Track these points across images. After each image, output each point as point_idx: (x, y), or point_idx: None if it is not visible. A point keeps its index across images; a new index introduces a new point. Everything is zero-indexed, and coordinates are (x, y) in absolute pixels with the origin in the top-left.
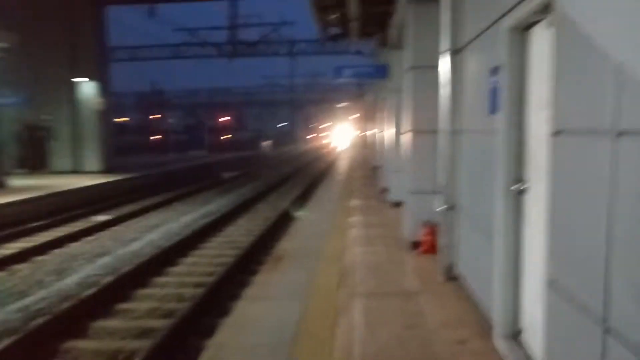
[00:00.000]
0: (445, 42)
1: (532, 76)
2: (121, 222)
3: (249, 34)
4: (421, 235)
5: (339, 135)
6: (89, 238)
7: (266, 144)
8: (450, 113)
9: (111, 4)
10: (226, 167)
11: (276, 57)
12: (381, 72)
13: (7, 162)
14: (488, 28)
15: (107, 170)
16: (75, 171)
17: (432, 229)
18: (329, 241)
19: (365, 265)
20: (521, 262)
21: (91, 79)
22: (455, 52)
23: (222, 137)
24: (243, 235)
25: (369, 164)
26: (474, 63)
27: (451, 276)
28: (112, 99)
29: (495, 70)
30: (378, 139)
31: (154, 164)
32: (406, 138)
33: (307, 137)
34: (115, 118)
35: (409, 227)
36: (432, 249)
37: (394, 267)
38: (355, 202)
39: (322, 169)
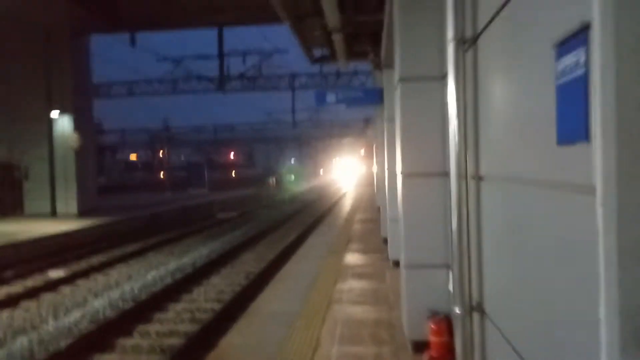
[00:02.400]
0: (451, 28)
1: None
2: (75, 279)
3: (238, 64)
4: (428, 332)
5: (346, 171)
6: (26, 304)
7: (272, 180)
8: (462, 147)
9: (89, 33)
10: (224, 207)
11: (277, 92)
12: (373, 97)
13: None
14: None
15: (83, 214)
16: (53, 214)
17: (443, 324)
18: (293, 334)
19: None
20: None
21: (66, 113)
22: (469, 42)
23: (227, 174)
24: (211, 300)
25: (375, 204)
26: (509, 49)
27: None
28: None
29: (576, 43)
30: (378, 177)
31: (143, 204)
32: (398, 182)
33: (314, 173)
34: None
35: (409, 318)
36: (445, 356)
37: None
38: (349, 258)
39: (324, 209)
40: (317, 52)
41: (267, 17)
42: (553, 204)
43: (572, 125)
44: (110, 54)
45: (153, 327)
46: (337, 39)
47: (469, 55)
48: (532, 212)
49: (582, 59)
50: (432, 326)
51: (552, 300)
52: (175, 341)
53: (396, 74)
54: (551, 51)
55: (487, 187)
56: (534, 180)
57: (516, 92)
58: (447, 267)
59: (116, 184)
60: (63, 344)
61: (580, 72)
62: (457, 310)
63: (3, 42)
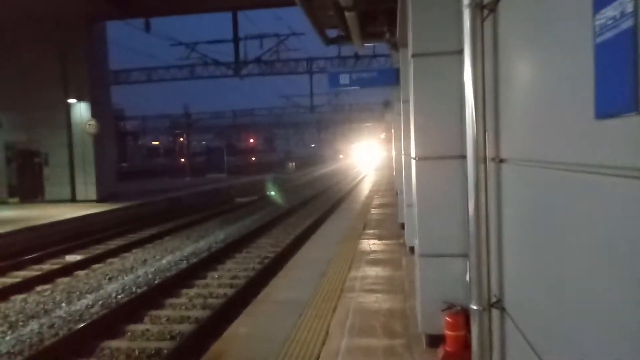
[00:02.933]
0: None
1: None
2: (91, 263)
3: (255, 49)
4: (443, 326)
5: (366, 155)
6: (42, 287)
7: (291, 165)
8: (481, 126)
9: (103, 20)
10: (243, 192)
11: (295, 76)
12: (388, 77)
13: (0, 190)
14: None
15: (102, 199)
16: (73, 200)
17: (460, 318)
18: (302, 324)
19: None
20: None
21: (83, 100)
22: (488, 8)
23: (247, 159)
24: (224, 286)
25: (394, 189)
26: (535, 10)
27: None
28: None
29: None
30: (396, 160)
31: (162, 189)
32: (412, 167)
33: (334, 157)
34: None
35: (424, 310)
36: (462, 352)
37: None
38: (364, 244)
39: (342, 193)
40: (332, 34)
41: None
42: (588, 190)
43: (615, 94)
44: (126, 40)
45: (164, 312)
46: (351, 18)
47: (488, 23)
48: (561, 199)
49: (629, 7)
50: (448, 319)
51: (583, 302)
52: (184, 327)
53: (409, 49)
54: (588, 3)
55: (508, 171)
56: (564, 163)
57: (543, 61)
58: (465, 256)
59: (138, 170)
60: (73, 328)
61: (626, 24)
62: (474, 306)
63: (19, 32)
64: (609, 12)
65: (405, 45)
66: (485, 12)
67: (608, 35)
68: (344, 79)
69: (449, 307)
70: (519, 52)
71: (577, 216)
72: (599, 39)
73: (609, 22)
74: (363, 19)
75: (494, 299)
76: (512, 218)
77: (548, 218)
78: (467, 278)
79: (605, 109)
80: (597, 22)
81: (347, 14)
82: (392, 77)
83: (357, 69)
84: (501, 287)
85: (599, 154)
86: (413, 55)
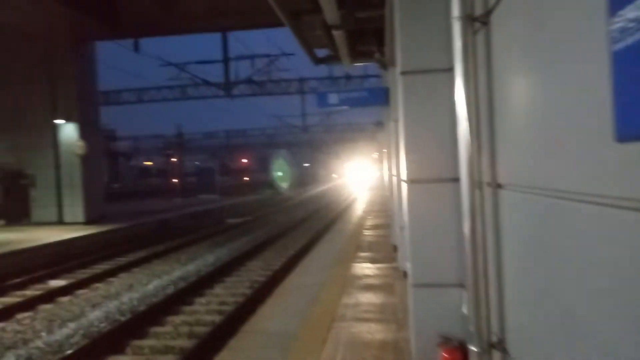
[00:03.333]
0: (456, 3)
1: None
2: (75, 289)
3: (246, 69)
4: None
5: (358, 175)
6: (22, 315)
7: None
8: (475, 148)
9: (92, 40)
10: (234, 213)
11: (286, 96)
12: (378, 96)
13: None
14: None
15: (90, 221)
16: (60, 222)
17: (458, 353)
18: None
19: None
20: None
21: (71, 120)
22: (480, 20)
23: (240, 179)
24: (212, 312)
25: (387, 209)
26: (534, 17)
27: None
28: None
29: None
30: (388, 181)
31: (152, 210)
32: (403, 190)
33: (327, 177)
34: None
35: (418, 344)
36: None
37: None
38: (356, 268)
39: (335, 214)
40: (322, 53)
41: (270, 20)
42: (606, 224)
43: None
44: (114, 61)
45: (148, 342)
46: (339, 37)
47: (480, 37)
48: (568, 232)
49: None
50: (445, 355)
51: (595, 345)
52: (168, 359)
53: (398, 67)
54: (601, 4)
55: (507, 197)
56: (576, 193)
57: (545, 75)
58: (461, 286)
59: (130, 190)
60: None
61: None
62: (474, 348)
63: (7, 52)
64: (630, 13)
65: (394, 63)
66: (477, 25)
67: (629, 40)
68: (332, 98)
69: (446, 341)
70: (516, 66)
71: (588, 253)
72: (617, 46)
73: (630, 24)
74: (352, 38)
75: (494, 339)
76: (511, 249)
77: (552, 251)
78: (464, 309)
79: (629, 130)
80: (614, 26)
81: (334, 32)
82: (382, 97)
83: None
84: (502, 325)
85: (618, 183)
86: (402, 73)
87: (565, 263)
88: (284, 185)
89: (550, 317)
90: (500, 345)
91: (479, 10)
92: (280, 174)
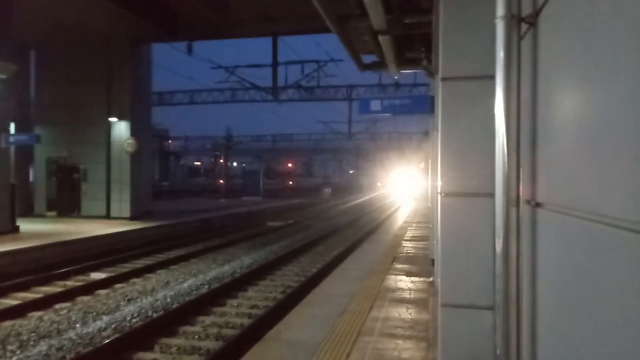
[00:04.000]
0: (501, 2)
1: None
2: (114, 283)
3: (295, 74)
4: None
5: (403, 185)
6: (61, 305)
7: (327, 191)
8: (514, 163)
9: (149, 42)
10: (275, 216)
11: (335, 103)
12: (422, 105)
13: (39, 204)
14: None
15: (135, 217)
16: (107, 216)
17: None
18: None
19: None
20: None
21: (123, 119)
22: (528, 22)
23: (285, 183)
24: (241, 315)
25: (428, 221)
26: (590, 20)
27: None
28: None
29: None
30: (431, 193)
31: (196, 210)
32: (437, 203)
33: (372, 185)
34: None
35: None
36: None
37: None
38: (390, 280)
39: (377, 223)
40: (369, 59)
41: (319, 26)
42: None
43: None
44: (168, 62)
45: (176, 341)
46: (385, 42)
47: (527, 41)
48: (613, 262)
49: None
50: None
51: None
52: (193, 359)
53: (439, 73)
54: None
55: (545, 217)
56: (623, 220)
57: (599, 87)
58: (493, 309)
59: (178, 189)
60: (80, 352)
61: None
62: None
63: (68, 50)
64: None
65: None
66: (524, 27)
67: None
68: (375, 105)
69: None
70: (565, 75)
71: (630, 286)
72: None
73: None
74: (399, 44)
75: None
76: (548, 275)
77: (591, 281)
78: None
79: None
80: None
81: (381, 38)
82: (426, 105)
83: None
84: (534, 356)
85: None
86: (442, 79)
87: (605, 296)
88: None
89: (587, 353)
90: None
91: (526, 10)
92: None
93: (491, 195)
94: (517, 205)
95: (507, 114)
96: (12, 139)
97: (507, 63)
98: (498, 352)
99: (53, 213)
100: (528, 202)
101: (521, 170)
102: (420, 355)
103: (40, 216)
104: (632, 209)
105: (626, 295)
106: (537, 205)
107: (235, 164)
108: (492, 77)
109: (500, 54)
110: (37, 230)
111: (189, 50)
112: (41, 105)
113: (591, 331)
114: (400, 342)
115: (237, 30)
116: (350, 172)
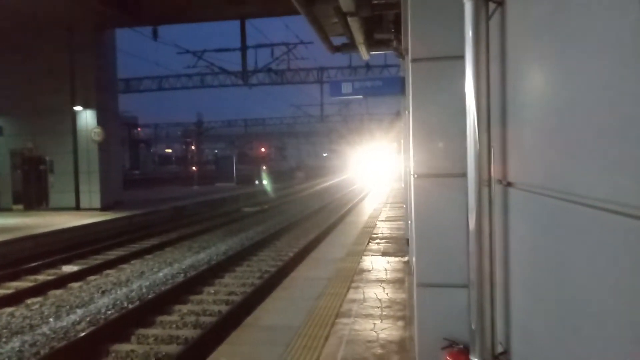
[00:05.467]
0: None
1: None
2: (86, 275)
3: (265, 57)
4: None
5: (377, 167)
6: (32, 300)
7: (301, 175)
8: (485, 143)
9: (112, 27)
10: (250, 201)
11: (305, 85)
12: (393, 86)
13: (4, 197)
14: None
15: (106, 207)
16: (77, 208)
17: (463, 357)
18: (289, 356)
19: None
20: None
21: (89, 107)
22: (494, 0)
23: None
24: (219, 302)
25: (403, 202)
26: None
27: None
28: (117, 130)
29: None
30: (404, 174)
31: (169, 198)
32: (410, 184)
33: (346, 168)
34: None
35: (422, 346)
36: None
37: None
38: (367, 261)
39: (352, 204)
40: (339, 41)
41: (288, 8)
42: (621, 234)
43: None
44: (134, 48)
45: (153, 332)
46: (354, 24)
47: (495, 21)
48: (582, 239)
49: None
50: (448, 359)
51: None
52: (171, 349)
53: (409, 55)
54: None
55: (516, 197)
56: (591, 198)
57: (566, 66)
58: (468, 287)
59: (149, 177)
60: (54, 347)
61: None
62: (475, 358)
63: (27, 38)
64: None
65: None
66: (492, 6)
67: None
68: (346, 87)
69: (450, 345)
70: (533, 54)
71: (599, 263)
72: None
73: None
74: (368, 25)
75: (500, 349)
76: (520, 253)
77: (561, 257)
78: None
79: None
80: None
81: (350, 19)
82: (396, 86)
83: (361, 77)
84: (508, 334)
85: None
86: (412, 61)
87: (574, 272)
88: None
89: (559, 330)
90: (505, 356)
91: None
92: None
93: (463, 175)
94: (489, 185)
95: (477, 94)
96: None
97: (475, 43)
98: (473, 327)
99: (20, 206)
100: (500, 181)
101: (492, 150)
102: (398, 334)
103: (7, 210)
104: (602, 188)
105: (596, 271)
106: (509, 184)
107: (207, 150)
108: (461, 58)
109: (468, 34)
110: (3, 224)
111: (154, 36)
112: (2, 96)
113: (562, 306)
114: (377, 322)
115: (203, 13)
116: (324, 154)
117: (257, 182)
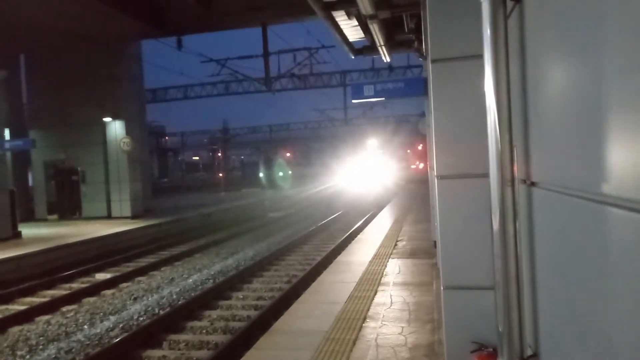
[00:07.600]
0: None
1: None
2: (119, 282)
3: (287, 62)
4: None
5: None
6: (67, 308)
7: (324, 178)
8: (507, 142)
9: (139, 39)
10: (276, 206)
11: (329, 89)
12: (415, 87)
13: (39, 208)
14: None
15: (136, 216)
16: (109, 217)
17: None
18: None
19: None
20: None
21: (118, 118)
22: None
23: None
24: (247, 307)
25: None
26: None
27: None
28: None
29: None
30: (429, 175)
31: (197, 204)
32: (434, 185)
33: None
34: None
35: (450, 350)
36: None
37: None
38: (392, 264)
39: (376, 207)
40: (360, 44)
41: (307, 12)
42: None
43: None
44: (159, 59)
45: (184, 337)
46: (374, 26)
47: (513, 19)
48: (609, 240)
49: None
50: None
51: None
52: (202, 354)
53: (429, 55)
54: None
55: (540, 197)
56: (615, 198)
57: (588, 63)
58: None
59: (178, 185)
60: (89, 354)
61: None
62: None
63: (58, 52)
64: None
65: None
66: (510, 4)
67: None
68: (368, 90)
69: (479, 348)
70: (553, 51)
71: (626, 265)
72: None
73: None
74: (389, 27)
75: (529, 352)
76: (546, 254)
77: (592, 262)
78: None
79: None
80: None
81: (369, 22)
82: (419, 88)
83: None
84: (537, 337)
85: None
86: (432, 61)
87: (602, 275)
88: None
89: (587, 332)
90: (535, 359)
91: None
92: (280, 174)
93: (486, 175)
94: (512, 185)
95: (498, 92)
96: (7, 145)
97: (494, 41)
98: (500, 329)
99: (54, 216)
100: (523, 181)
101: (515, 149)
102: (426, 338)
103: (42, 220)
104: (631, 188)
105: (626, 275)
106: (532, 184)
107: (233, 157)
108: (480, 57)
109: (487, 33)
110: (39, 234)
111: (179, 45)
112: (34, 109)
113: (589, 306)
114: (405, 325)
115: (224, 21)
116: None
117: (283, 186)
